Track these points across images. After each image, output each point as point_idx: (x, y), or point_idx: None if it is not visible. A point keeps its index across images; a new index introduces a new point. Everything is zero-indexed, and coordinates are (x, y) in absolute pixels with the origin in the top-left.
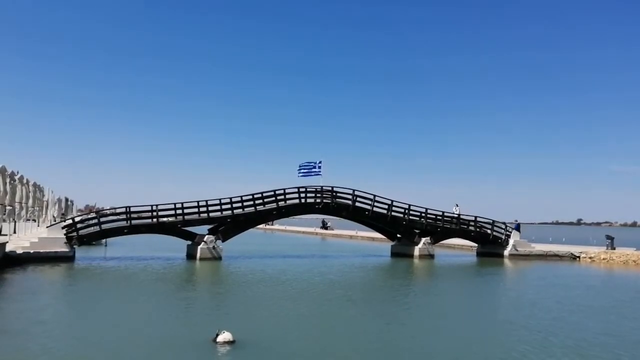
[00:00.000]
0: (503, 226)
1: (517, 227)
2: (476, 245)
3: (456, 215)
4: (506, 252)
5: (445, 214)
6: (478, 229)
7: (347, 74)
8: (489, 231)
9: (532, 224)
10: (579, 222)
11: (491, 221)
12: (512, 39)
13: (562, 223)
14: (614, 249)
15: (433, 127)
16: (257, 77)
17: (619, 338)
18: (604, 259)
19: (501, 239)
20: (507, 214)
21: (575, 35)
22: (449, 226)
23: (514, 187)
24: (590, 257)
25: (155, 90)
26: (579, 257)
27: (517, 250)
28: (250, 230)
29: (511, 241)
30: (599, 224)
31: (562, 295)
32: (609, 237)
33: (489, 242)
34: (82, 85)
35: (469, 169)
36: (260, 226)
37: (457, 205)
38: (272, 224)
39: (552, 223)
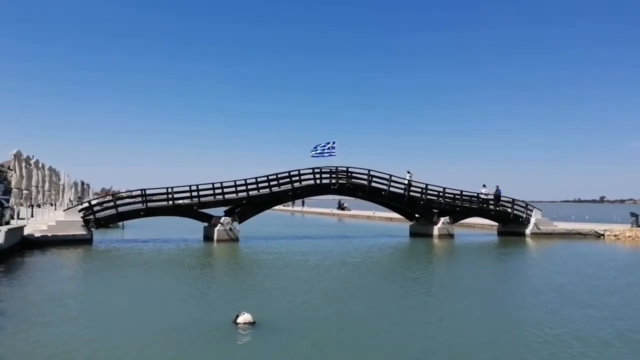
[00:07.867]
0: (523, 204)
1: (499, 194)
2: (497, 224)
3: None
4: (528, 231)
5: (464, 192)
6: (498, 208)
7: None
8: (509, 210)
9: (553, 202)
10: (602, 200)
11: (511, 200)
12: (536, 13)
13: (585, 201)
14: (639, 226)
15: (449, 104)
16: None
17: None
18: (629, 236)
19: (522, 217)
20: (527, 192)
21: (596, 8)
22: (468, 205)
23: (534, 165)
24: (615, 235)
25: (168, 73)
26: (603, 235)
27: (539, 228)
28: (273, 212)
29: (533, 220)
30: (622, 201)
31: (593, 275)
32: (633, 215)
33: (509, 221)
34: (95, 69)
35: (488, 147)
36: (287, 208)
37: (408, 172)
38: (302, 205)
39: (574, 201)
